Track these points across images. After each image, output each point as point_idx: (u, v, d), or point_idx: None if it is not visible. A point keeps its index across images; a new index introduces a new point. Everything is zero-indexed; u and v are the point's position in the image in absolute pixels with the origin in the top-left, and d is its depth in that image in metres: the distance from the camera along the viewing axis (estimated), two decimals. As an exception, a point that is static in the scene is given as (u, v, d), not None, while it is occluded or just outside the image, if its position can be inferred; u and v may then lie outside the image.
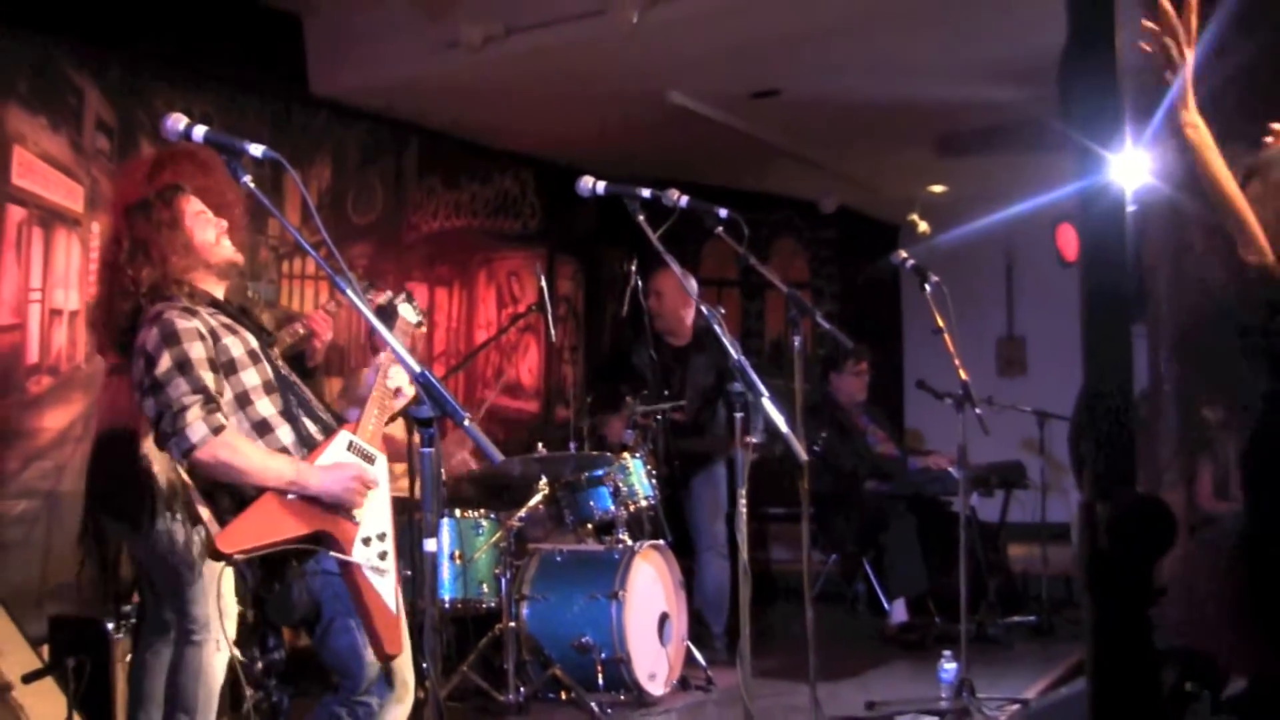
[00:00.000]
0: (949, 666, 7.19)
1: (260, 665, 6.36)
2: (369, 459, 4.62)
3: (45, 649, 6.35)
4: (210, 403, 4.41)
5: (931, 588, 9.68)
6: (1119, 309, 2.61)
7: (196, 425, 4.36)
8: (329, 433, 4.65)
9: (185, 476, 4.96)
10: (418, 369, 3.71)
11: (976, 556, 8.58)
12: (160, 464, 5.43)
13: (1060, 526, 9.97)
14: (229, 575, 5.42)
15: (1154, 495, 8.62)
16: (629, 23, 8.01)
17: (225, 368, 4.53)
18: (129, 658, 6.23)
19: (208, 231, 4.76)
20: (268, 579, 4.46)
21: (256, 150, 4.05)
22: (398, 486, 5.50)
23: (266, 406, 4.58)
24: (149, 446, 5.37)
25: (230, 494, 4.46)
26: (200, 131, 4.09)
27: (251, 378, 4.58)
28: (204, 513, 4.50)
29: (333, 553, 4.42)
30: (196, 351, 4.45)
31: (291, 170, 4.06)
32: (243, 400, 4.54)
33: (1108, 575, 2.53)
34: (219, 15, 8.30)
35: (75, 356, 7.52)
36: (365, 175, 9.87)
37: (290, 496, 4.41)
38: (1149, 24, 3.47)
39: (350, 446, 4.60)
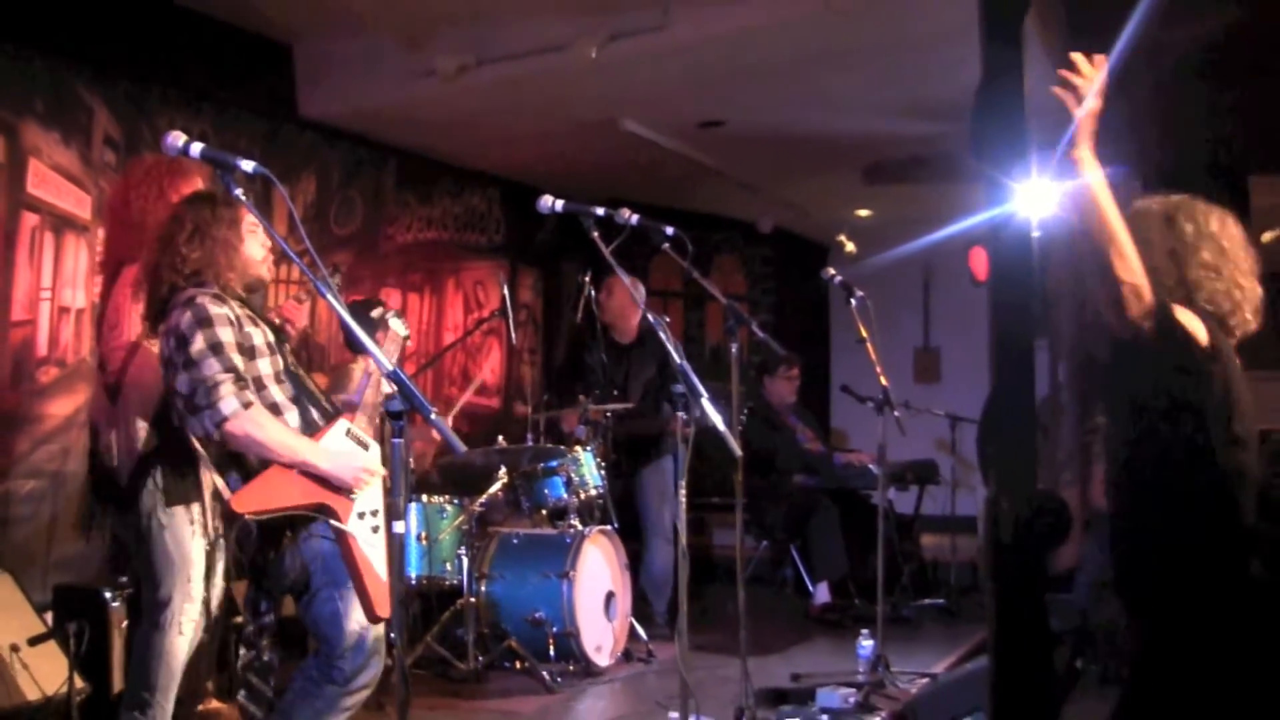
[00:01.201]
0: (866, 643, 7.21)
1: (253, 628, 6.34)
2: (363, 445, 4.72)
3: (49, 615, 6.31)
4: (241, 380, 4.49)
5: (852, 572, 9.72)
6: (1023, 324, 2.62)
7: (229, 400, 4.43)
8: (329, 419, 4.72)
9: (200, 449, 5.03)
10: (390, 367, 3.73)
11: (892, 545, 8.61)
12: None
13: (968, 519, 10.02)
14: (199, 561, 5.41)
15: (1052, 492, 8.70)
16: (588, 58, 8.01)
17: (247, 353, 4.59)
18: (124, 624, 6.22)
19: (255, 247, 4.84)
20: (264, 547, 4.51)
21: (248, 166, 4.04)
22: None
23: (278, 393, 4.66)
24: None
25: (239, 467, 4.54)
26: (197, 148, 4.08)
27: (266, 366, 4.66)
28: (217, 480, 4.56)
29: (332, 522, 4.48)
30: (226, 335, 4.53)
31: (279, 185, 4.05)
32: (258, 384, 4.61)
33: (1009, 564, 2.54)
34: (217, 44, 8.25)
35: (80, 350, 7.47)
36: (347, 191, 9.82)
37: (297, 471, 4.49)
38: (1064, 72, 3.36)
39: (348, 433, 4.71)
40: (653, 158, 10.58)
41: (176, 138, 4.11)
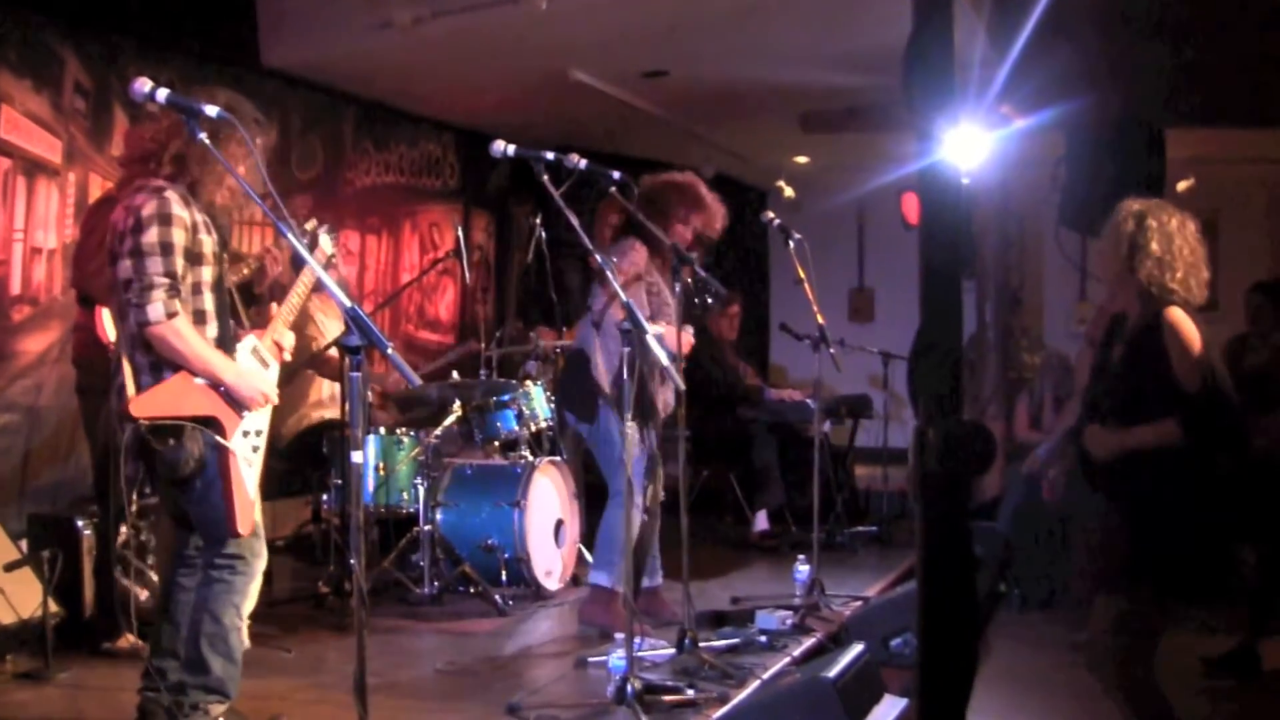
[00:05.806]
0: (802, 568, 7.26)
1: (136, 507, 6.15)
2: (264, 364, 4.77)
3: (24, 543, 6.28)
4: (174, 289, 4.43)
5: (789, 501, 9.77)
6: (952, 267, 2.62)
7: (157, 305, 4.39)
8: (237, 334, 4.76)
9: (111, 337, 5.27)
10: (348, 304, 3.70)
11: (827, 475, 8.65)
12: None
13: (899, 450, 10.02)
14: None
15: (976, 423, 8.79)
16: (539, 9, 7.97)
17: (194, 258, 4.54)
18: (95, 552, 6.19)
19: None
20: (162, 434, 4.45)
21: (212, 111, 4.01)
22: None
23: (208, 301, 4.62)
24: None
25: (150, 364, 4.49)
26: (163, 94, 4.04)
27: (207, 274, 4.61)
28: (126, 370, 4.51)
29: (217, 437, 4.47)
30: (179, 238, 4.46)
31: (243, 129, 4.02)
32: (195, 289, 4.57)
33: (936, 492, 2.56)
34: (182, -4, 8.22)
35: (53, 289, 7.44)
36: (308, 137, 9.75)
37: (199, 381, 4.48)
38: None
39: (253, 351, 4.75)
40: (600, 106, 10.55)
41: (143, 84, 4.07)
